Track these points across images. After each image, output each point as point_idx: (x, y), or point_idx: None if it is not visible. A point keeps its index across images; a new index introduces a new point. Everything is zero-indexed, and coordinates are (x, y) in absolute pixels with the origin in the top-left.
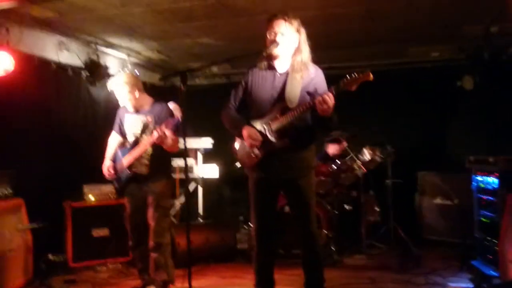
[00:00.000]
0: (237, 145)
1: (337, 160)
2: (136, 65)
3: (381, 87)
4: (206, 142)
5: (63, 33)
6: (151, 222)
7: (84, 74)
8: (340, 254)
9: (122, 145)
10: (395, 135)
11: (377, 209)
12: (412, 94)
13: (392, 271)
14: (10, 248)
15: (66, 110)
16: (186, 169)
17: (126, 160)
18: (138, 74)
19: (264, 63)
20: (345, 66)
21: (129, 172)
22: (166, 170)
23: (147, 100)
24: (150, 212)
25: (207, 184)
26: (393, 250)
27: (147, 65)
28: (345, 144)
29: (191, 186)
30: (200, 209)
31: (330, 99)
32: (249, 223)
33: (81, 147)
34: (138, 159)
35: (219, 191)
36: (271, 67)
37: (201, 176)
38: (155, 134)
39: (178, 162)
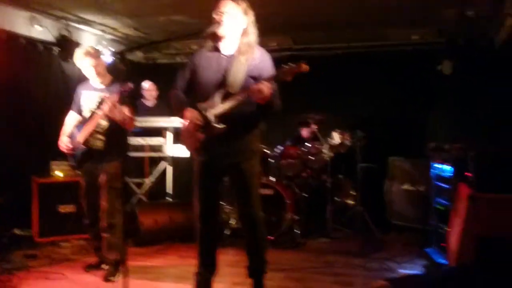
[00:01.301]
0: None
1: (306, 143)
2: (115, 42)
3: (360, 70)
4: (176, 121)
5: (34, 8)
6: (104, 203)
7: (56, 50)
8: (304, 237)
9: (79, 123)
10: (370, 119)
11: (353, 193)
12: (391, 78)
13: (351, 255)
14: None
15: (36, 85)
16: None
17: (81, 136)
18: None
19: (210, 45)
20: (323, 48)
21: (84, 147)
22: (122, 149)
23: (107, 78)
24: (103, 193)
25: (177, 163)
26: (358, 234)
27: (126, 42)
28: (314, 127)
29: (161, 166)
30: (169, 189)
31: (266, 87)
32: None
33: (51, 123)
34: (93, 134)
35: (190, 170)
36: (216, 49)
37: (171, 155)
38: (106, 105)
39: (148, 141)
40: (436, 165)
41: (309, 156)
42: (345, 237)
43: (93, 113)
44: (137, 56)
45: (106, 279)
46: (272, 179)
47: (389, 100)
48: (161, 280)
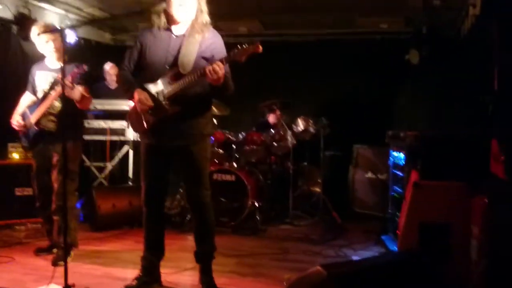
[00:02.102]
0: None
1: (271, 130)
2: (80, 22)
3: (329, 57)
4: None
5: None
6: (55, 184)
7: (15, 28)
8: (265, 224)
9: (33, 103)
10: (337, 106)
11: (317, 180)
12: (359, 66)
13: (310, 242)
14: None
15: None
16: None
17: (33, 116)
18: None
19: (162, 24)
20: (293, 33)
21: (36, 128)
22: (75, 130)
23: (61, 60)
24: (54, 174)
25: (139, 147)
26: (319, 222)
27: (91, 23)
28: (278, 113)
29: (123, 150)
30: (131, 173)
31: (220, 68)
32: None
33: (9, 104)
34: (45, 115)
35: None
36: (168, 29)
37: (133, 139)
38: (59, 85)
39: (109, 124)
40: (393, 153)
41: (273, 143)
42: (307, 224)
43: (46, 94)
44: (105, 37)
45: (55, 263)
46: (235, 165)
47: (357, 88)
48: (111, 265)
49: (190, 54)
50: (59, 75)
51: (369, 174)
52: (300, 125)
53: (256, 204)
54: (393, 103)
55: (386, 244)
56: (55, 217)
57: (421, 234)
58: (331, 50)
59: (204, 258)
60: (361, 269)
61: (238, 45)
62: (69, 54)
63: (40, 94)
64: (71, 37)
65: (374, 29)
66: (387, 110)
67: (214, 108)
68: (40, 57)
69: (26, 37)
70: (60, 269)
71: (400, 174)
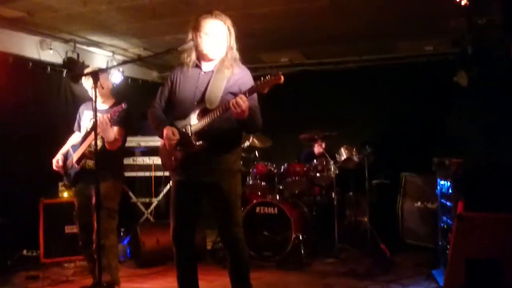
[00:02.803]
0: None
1: (315, 160)
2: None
3: (372, 83)
4: None
5: (43, 32)
6: (95, 223)
7: (65, 72)
8: (310, 257)
9: (78, 142)
10: (384, 134)
11: (363, 210)
12: (403, 91)
13: (356, 277)
14: None
15: (45, 107)
16: None
17: (75, 155)
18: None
19: (191, 62)
20: (336, 61)
21: (77, 166)
22: (114, 169)
23: (110, 100)
24: (94, 213)
25: None
26: (367, 254)
27: (139, 62)
28: (321, 143)
29: (168, 185)
30: None
31: (243, 101)
32: None
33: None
34: (86, 154)
35: None
36: (197, 66)
37: None
38: (98, 123)
39: (154, 160)
40: (441, 181)
41: (316, 173)
42: (353, 258)
43: (87, 133)
44: (152, 76)
45: None
46: (277, 197)
47: (403, 113)
48: None
49: (217, 90)
50: (103, 115)
51: (419, 203)
52: (343, 154)
53: (300, 237)
54: (441, 128)
55: (436, 279)
56: (95, 256)
57: (468, 270)
58: (373, 76)
59: None
60: None
61: (262, 77)
62: (116, 94)
63: (83, 133)
64: (118, 77)
65: (419, 52)
66: (435, 136)
67: (256, 140)
68: (89, 98)
69: (75, 80)
70: None
71: (449, 204)
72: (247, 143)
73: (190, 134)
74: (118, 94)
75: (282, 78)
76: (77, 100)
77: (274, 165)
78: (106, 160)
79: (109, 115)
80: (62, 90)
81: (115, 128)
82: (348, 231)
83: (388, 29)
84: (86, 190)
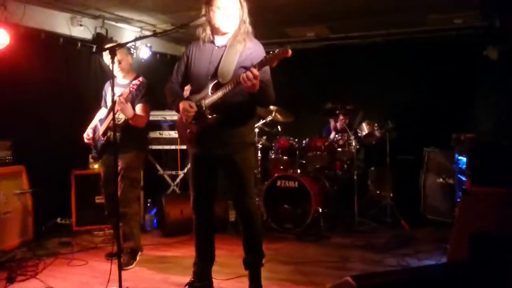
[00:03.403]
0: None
1: (336, 135)
2: (155, 38)
3: (399, 58)
4: None
5: (72, 9)
6: (118, 192)
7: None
8: (329, 231)
9: (105, 117)
10: (408, 109)
11: (388, 185)
12: (432, 65)
13: (373, 250)
14: (5, 211)
15: (75, 82)
16: None
17: (101, 128)
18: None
19: (206, 37)
20: (362, 36)
21: (103, 139)
22: (138, 141)
23: (130, 74)
24: (118, 183)
25: None
26: (387, 229)
27: (167, 38)
28: (342, 118)
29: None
30: None
31: (253, 75)
32: None
33: (91, 119)
34: (110, 127)
35: None
36: (211, 41)
37: None
38: (116, 100)
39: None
40: (458, 157)
41: (337, 148)
42: (372, 232)
43: (111, 107)
44: (180, 51)
45: (122, 268)
46: (298, 171)
47: (430, 88)
48: (171, 270)
49: (230, 64)
50: (125, 90)
51: (441, 179)
52: (365, 129)
53: (320, 211)
54: (468, 104)
55: None
56: (120, 224)
57: (472, 245)
58: (400, 51)
59: (252, 266)
60: (396, 282)
61: (271, 51)
62: (137, 69)
63: (109, 108)
64: (146, 52)
65: (448, 26)
66: (461, 111)
67: (278, 115)
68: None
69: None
70: (126, 273)
71: (464, 179)
72: (269, 118)
73: (204, 108)
74: (147, 70)
75: (290, 52)
76: (106, 75)
77: (296, 140)
78: (130, 132)
79: (124, 95)
80: (92, 66)
81: (139, 105)
82: (369, 206)
83: (416, 1)
84: (111, 161)
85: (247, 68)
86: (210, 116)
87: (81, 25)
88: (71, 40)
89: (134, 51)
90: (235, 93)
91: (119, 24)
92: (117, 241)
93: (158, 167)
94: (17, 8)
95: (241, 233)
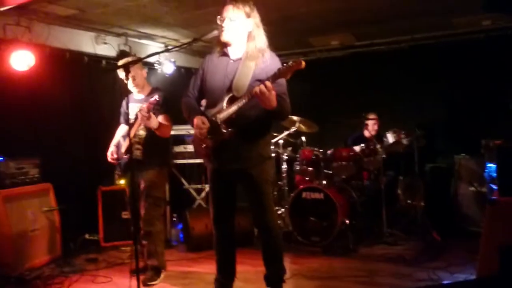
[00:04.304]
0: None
1: (361, 144)
2: (179, 52)
3: (426, 63)
4: None
5: (97, 27)
6: (142, 211)
7: None
8: (357, 243)
9: (126, 133)
10: (437, 116)
11: (418, 195)
12: (460, 70)
13: (402, 263)
14: (33, 228)
15: (100, 99)
16: None
17: (123, 146)
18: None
19: (219, 50)
20: (387, 42)
21: (125, 157)
22: (160, 157)
23: (146, 88)
24: (142, 201)
25: None
26: (418, 240)
27: (190, 52)
28: (370, 126)
29: None
30: None
31: (267, 89)
32: None
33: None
34: (132, 144)
35: None
36: (225, 54)
37: None
38: (138, 115)
39: None
40: (488, 164)
41: (364, 158)
42: (402, 244)
43: (132, 124)
44: None
45: (145, 284)
46: (324, 182)
47: (459, 93)
48: (194, 286)
49: (244, 78)
50: (143, 106)
51: (473, 187)
52: (391, 137)
53: (347, 222)
54: (500, 108)
55: None
56: (144, 242)
57: (502, 258)
58: (426, 56)
59: (273, 282)
60: None
61: (284, 64)
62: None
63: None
64: (170, 67)
65: (476, 28)
66: (492, 117)
67: (302, 126)
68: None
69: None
70: None
71: (495, 188)
72: (293, 129)
73: (219, 122)
74: (171, 85)
75: (303, 63)
76: (129, 92)
77: (321, 150)
78: (152, 147)
79: (145, 108)
80: (117, 82)
81: (160, 116)
82: (399, 217)
83: (442, 4)
84: (135, 178)
85: (262, 81)
86: (225, 131)
87: (105, 43)
88: (95, 58)
89: (159, 66)
90: (251, 107)
91: (142, 41)
92: (136, 260)
93: (184, 181)
94: (42, 29)
95: (261, 248)
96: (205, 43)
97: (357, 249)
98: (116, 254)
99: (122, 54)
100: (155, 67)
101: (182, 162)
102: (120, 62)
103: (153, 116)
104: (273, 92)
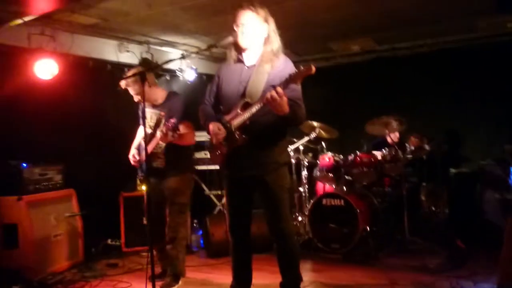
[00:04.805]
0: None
1: (383, 150)
2: (201, 60)
3: (446, 67)
4: None
5: (119, 36)
6: (167, 218)
7: None
8: (378, 251)
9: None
10: (460, 120)
11: (442, 201)
12: (484, 74)
13: (424, 272)
14: (56, 234)
15: (123, 106)
16: None
17: (143, 154)
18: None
19: (233, 56)
20: (408, 46)
21: (145, 165)
22: (183, 164)
23: (160, 94)
24: (167, 208)
25: None
26: (441, 248)
27: (212, 59)
28: (394, 131)
29: None
30: None
31: (278, 95)
32: None
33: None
34: (154, 154)
35: None
36: (240, 60)
37: None
38: (158, 134)
39: None
40: None
41: (385, 164)
42: (425, 251)
43: (152, 134)
44: None
45: None
46: (344, 188)
47: (483, 98)
48: None
49: (258, 84)
50: (162, 113)
51: (498, 194)
52: (413, 143)
53: (368, 229)
54: None
55: None
56: (168, 246)
57: None
58: (449, 60)
59: None
60: None
61: (296, 69)
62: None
63: (148, 130)
64: (191, 74)
65: (500, 31)
66: None
67: (322, 132)
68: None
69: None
70: None
71: None
72: (313, 135)
73: (233, 129)
74: (194, 91)
75: (314, 69)
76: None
77: (341, 156)
78: (174, 156)
79: (165, 128)
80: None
81: (181, 126)
82: (421, 224)
83: (465, 6)
84: (156, 185)
85: (274, 87)
86: (239, 137)
87: (128, 51)
88: (118, 66)
89: (180, 74)
90: (264, 113)
91: (164, 48)
92: (151, 264)
93: (204, 187)
94: (66, 38)
95: (277, 256)
96: (225, 49)
97: (378, 256)
98: (137, 260)
99: (144, 61)
100: (177, 74)
101: (203, 169)
102: (123, 81)
103: (169, 133)
104: (285, 98)
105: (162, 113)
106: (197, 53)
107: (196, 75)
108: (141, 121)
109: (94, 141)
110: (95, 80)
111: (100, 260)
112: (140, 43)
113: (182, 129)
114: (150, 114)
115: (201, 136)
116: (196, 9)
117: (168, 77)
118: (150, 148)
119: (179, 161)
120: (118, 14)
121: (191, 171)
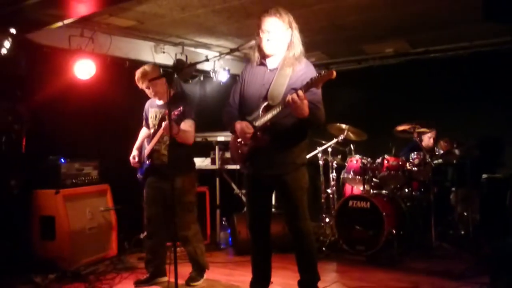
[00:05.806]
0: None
1: (412, 154)
2: (234, 61)
3: (482, 71)
4: None
5: (155, 37)
6: (176, 218)
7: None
8: (404, 254)
9: (148, 137)
10: (496, 126)
11: (471, 207)
12: None
13: (448, 277)
14: (90, 227)
15: None
16: None
17: (146, 151)
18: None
19: (257, 59)
20: (443, 49)
21: (147, 162)
22: (186, 163)
23: (166, 94)
24: (166, 208)
25: None
26: (468, 254)
27: (245, 60)
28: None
29: None
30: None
31: (299, 98)
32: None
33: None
34: (157, 150)
35: None
36: (263, 63)
37: None
38: (163, 124)
39: None
40: None
41: (413, 167)
42: (451, 257)
43: (155, 130)
44: None
45: (188, 284)
46: (371, 191)
47: None
48: None
49: (280, 87)
50: (166, 111)
51: None
52: (443, 147)
53: (394, 232)
54: None
55: None
56: (183, 248)
57: None
58: (485, 64)
59: None
60: None
61: (317, 73)
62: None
63: (151, 129)
64: (224, 75)
65: None
66: None
67: (351, 134)
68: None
69: (187, 80)
70: None
71: None
72: (342, 137)
73: (256, 129)
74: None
75: (335, 73)
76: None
77: (369, 159)
78: (177, 154)
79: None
80: (174, 88)
81: (183, 123)
82: (450, 229)
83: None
84: (156, 183)
85: (296, 90)
86: (261, 138)
87: (163, 52)
88: None
89: (213, 75)
90: (286, 115)
91: (198, 50)
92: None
93: (234, 186)
94: (105, 40)
95: (295, 255)
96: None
97: (403, 260)
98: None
99: (178, 62)
100: (210, 76)
101: (232, 168)
102: (137, 73)
103: (174, 125)
104: (305, 101)
105: (167, 111)
106: (219, 56)
107: (229, 76)
108: (144, 123)
109: (128, 138)
110: (131, 80)
111: (132, 254)
112: (175, 44)
113: (184, 125)
114: (155, 113)
115: (229, 136)
116: (227, 12)
117: (201, 78)
118: (153, 143)
119: (182, 160)
120: (153, 16)
121: (193, 170)
